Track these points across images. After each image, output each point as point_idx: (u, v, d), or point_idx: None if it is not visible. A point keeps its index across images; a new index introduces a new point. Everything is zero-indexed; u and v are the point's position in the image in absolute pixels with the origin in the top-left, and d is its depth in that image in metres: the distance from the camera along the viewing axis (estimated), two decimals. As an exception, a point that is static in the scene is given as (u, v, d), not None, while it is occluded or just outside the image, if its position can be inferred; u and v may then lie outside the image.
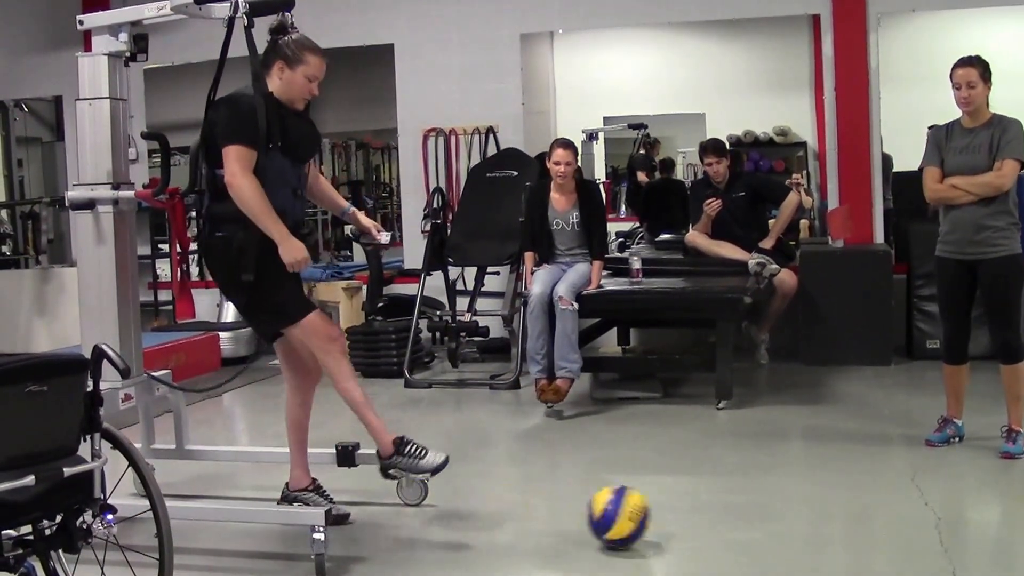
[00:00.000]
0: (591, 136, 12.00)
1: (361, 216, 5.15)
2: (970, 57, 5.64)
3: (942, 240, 5.80)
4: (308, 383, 4.97)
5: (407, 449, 4.79)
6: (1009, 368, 5.66)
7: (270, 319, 4.79)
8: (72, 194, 5.16)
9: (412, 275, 9.10)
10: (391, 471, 4.85)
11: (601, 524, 4.51)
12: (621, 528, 4.48)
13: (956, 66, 5.64)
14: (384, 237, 5.13)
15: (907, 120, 10.68)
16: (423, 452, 4.80)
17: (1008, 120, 5.61)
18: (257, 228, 4.48)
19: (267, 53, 4.65)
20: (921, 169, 5.81)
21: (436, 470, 4.82)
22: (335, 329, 4.77)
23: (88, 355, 3.57)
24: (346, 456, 5.25)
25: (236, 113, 4.52)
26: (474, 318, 8.33)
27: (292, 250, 4.49)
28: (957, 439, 5.88)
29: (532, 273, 7.45)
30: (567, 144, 7.48)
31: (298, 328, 4.67)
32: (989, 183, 5.54)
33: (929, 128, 6.11)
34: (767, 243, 8.30)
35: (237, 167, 4.44)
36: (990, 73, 5.61)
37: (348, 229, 5.28)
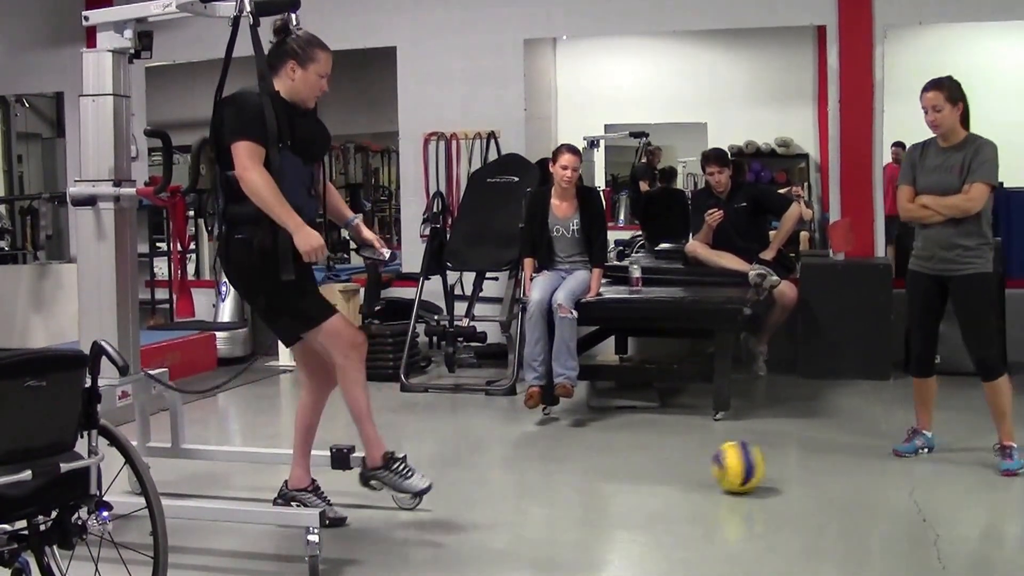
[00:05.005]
0: (592, 143, 12.01)
1: (365, 230, 5.10)
2: (938, 80, 5.68)
3: (915, 255, 5.89)
4: (325, 387, 4.93)
5: (395, 466, 4.83)
6: (990, 385, 5.69)
7: (292, 323, 4.74)
8: (74, 190, 5.16)
9: (410, 279, 9.08)
10: (372, 482, 4.87)
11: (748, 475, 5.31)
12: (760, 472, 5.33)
13: (923, 89, 5.69)
14: (385, 252, 5.14)
15: (912, 134, 10.69)
16: (410, 473, 4.83)
17: (982, 141, 5.66)
18: (275, 227, 4.46)
19: (275, 54, 4.64)
20: (896, 187, 5.92)
21: (418, 493, 4.88)
22: (359, 335, 4.74)
23: (86, 351, 3.55)
24: (340, 459, 5.23)
25: (242, 110, 4.51)
26: (472, 323, 8.31)
27: (308, 238, 4.45)
28: (926, 450, 5.96)
29: (531, 279, 7.42)
30: (575, 150, 7.45)
31: (320, 332, 4.64)
32: (957, 206, 5.60)
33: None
34: (768, 254, 8.29)
35: (248, 161, 4.43)
36: (960, 94, 5.64)
37: (344, 233, 5.26)
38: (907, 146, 9.56)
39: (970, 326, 5.69)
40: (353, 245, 5.75)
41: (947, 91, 5.60)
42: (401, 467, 4.82)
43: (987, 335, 5.72)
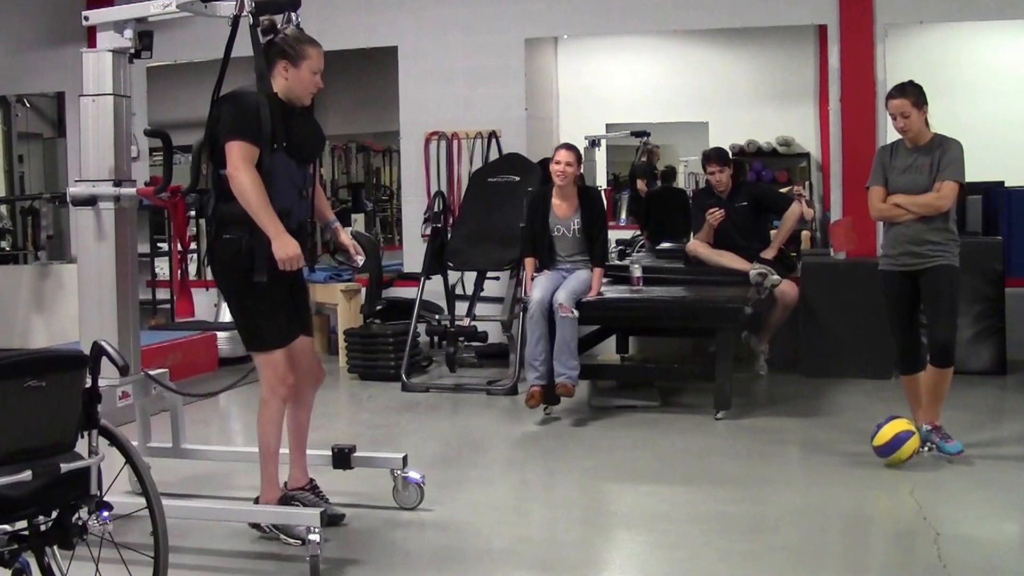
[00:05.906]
0: (594, 143, 11.99)
1: (343, 234, 5.13)
2: (902, 86, 5.85)
3: (885, 254, 6.03)
4: (309, 386, 4.94)
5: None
6: (941, 372, 5.85)
7: (244, 335, 4.79)
8: (74, 190, 5.15)
9: (411, 278, 9.08)
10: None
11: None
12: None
13: (889, 96, 5.89)
14: (359, 260, 5.18)
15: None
16: None
17: (949, 141, 5.83)
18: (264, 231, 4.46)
19: (266, 55, 4.63)
20: (867, 188, 6.05)
21: (303, 541, 4.67)
22: (289, 377, 4.70)
23: (87, 351, 3.55)
24: (342, 458, 5.24)
25: (239, 110, 4.51)
26: (473, 323, 8.31)
27: (285, 246, 4.47)
28: (925, 447, 5.95)
29: (532, 279, 7.42)
30: (570, 147, 7.47)
31: (259, 358, 4.69)
32: (930, 204, 5.77)
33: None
34: (768, 253, 8.29)
35: (240, 161, 4.43)
36: (924, 98, 5.80)
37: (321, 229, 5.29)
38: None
39: (938, 313, 5.82)
40: (331, 246, 5.76)
41: (912, 96, 5.78)
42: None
43: (952, 323, 5.87)
